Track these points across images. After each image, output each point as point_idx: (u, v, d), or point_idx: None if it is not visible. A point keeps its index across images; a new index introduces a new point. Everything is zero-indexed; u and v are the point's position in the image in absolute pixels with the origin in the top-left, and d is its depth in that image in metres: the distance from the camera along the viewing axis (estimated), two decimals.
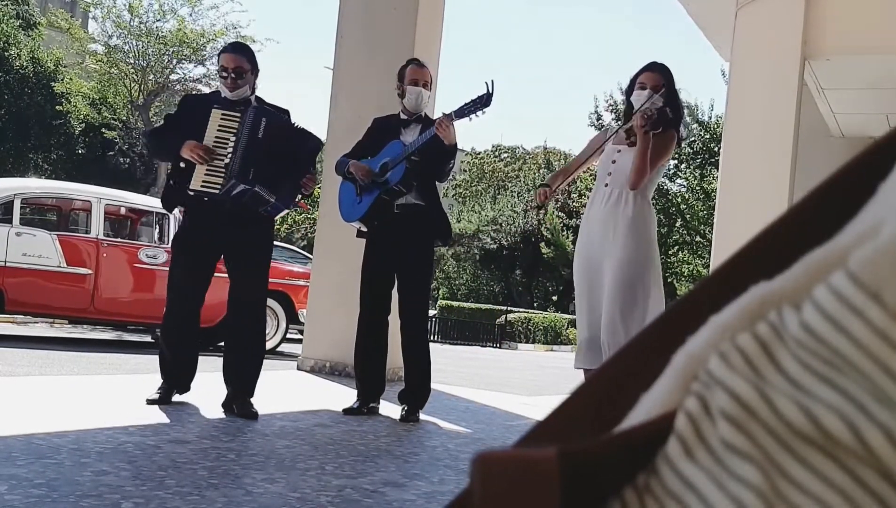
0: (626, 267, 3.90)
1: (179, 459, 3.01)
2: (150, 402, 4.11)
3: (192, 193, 4.07)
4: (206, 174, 4.06)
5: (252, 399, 4.20)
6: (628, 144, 4.06)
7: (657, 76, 4.07)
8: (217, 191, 4.06)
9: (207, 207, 4.10)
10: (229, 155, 4.08)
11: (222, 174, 4.07)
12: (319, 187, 6.56)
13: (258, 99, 4.33)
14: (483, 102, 4.17)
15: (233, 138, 4.10)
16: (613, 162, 4.07)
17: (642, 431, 0.36)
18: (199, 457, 3.09)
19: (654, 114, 3.94)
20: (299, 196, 4.32)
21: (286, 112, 4.37)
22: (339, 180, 4.73)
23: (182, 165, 4.10)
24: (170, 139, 4.15)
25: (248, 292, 4.23)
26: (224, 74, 4.21)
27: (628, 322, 3.85)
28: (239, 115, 4.14)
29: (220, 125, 4.12)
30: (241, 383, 4.22)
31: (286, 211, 4.45)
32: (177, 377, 4.24)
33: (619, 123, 4.29)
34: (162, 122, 4.49)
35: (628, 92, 4.23)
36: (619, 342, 3.81)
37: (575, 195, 30.59)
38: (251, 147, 4.07)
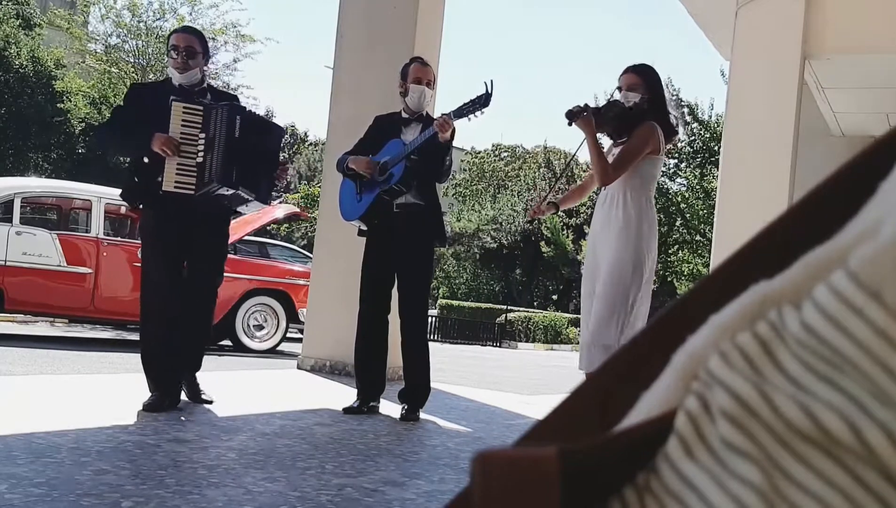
0: (615, 269, 3.91)
1: (179, 458, 3.02)
2: (147, 408, 4.00)
3: (164, 193, 3.95)
4: (177, 174, 3.94)
5: (200, 384, 4.31)
6: (617, 145, 4.12)
7: (631, 76, 4.10)
8: (192, 192, 3.97)
9: (173, 203, 4.00)
10: (201, 154, 3.96)
11: (194, 174, 3.96)
12: (319, 186, 6.57)
13: (211, 88, 4.27)
14: (482, 102, 4.17)
15: (201, 135, 3.98)
16: None
17: (642, 430, 0.36)
18: (200, 456, 3.09)
19: (582, 106, 4.01)
20: (276, 189, 4.38)
21: (235, 98, 4.36)
22: (340, 180, 4.74)
23: (146, 160, 3.98)
24: (137, 133, 3.99)
25: (206, 280, 4.24)
26: (174, 54, 4.09)
27: (613, 324, 3.86)
28: (201, 108, 4.02)
29: (183, 120, 3.97)
30: (187, 359, 4.26)
31: (261, 206, 4.48)
32: (164, 382, 4.10)
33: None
34: (115, 118, 4.27)
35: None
36: (604, 344, 3.83)
37: None
38: (231, 149, 3.97)
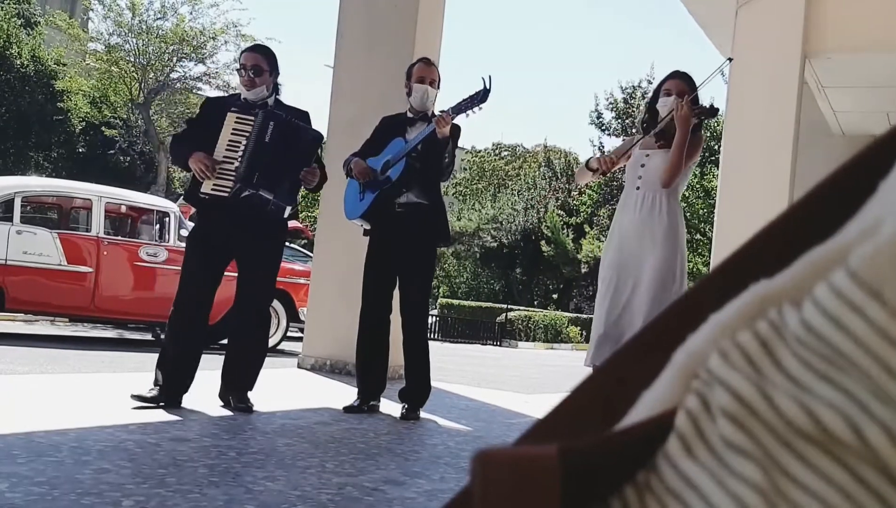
0: (663, 275, 3.95)
1: (180, 457, 3.02)
2: (136, 398, 4.01)
3: (203, 196, 4.19)
4: (217, 177, 4.18)
5: (250, 394, 4.29)
6: (658, 147, 4.10)
7: (682, 83, 4.13)
8: (227, 194, 4.18)
9: (221, 209, 4.20)
10: (239, 158, 4.19)
11: (232, 177, 4.18)
12: None
13: (278, 101, 4.44)
14: (480, 97, 4.18)
15: (244, 142, 4.22)
16: (643, 166, 4.11)
17: (643, 429, 0.36)
18: (200, 455, 3.09)
19: (698, 101, 4.07)
20: (301, 192, 4.44)
21: (305, 113, 4.49)
22: (340, 179, 4.74)
23: None
24: (183, 148, 4.29)
25: (256, 297, 4.34)
26: (242, 73, 4.33)
27: None
28: (252, 119, 4.24)
29: (233, 129, 4.23)
30: (241, 380, 4.30)
31: (291, 208, 4.49)
32: (174, 379, 4.15)
33: (639, 128, 4.34)
34: (184, 129, 4.61)
35: (653, 101, 4.26)
36: None
37: (575, 193, 30.58)
38: (257, 152, 4.18)
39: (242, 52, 4.48)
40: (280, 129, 4.25)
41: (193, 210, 4.45)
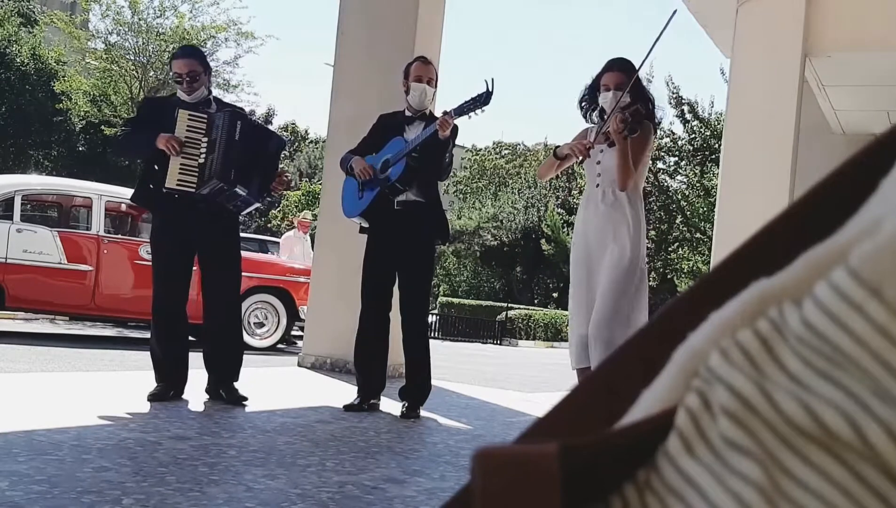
0: (625, 267, 3.91)
1: (180, 455, 3.02)
2: (151, 398, 4.22)
3: (166, 190, 4.23)
4: (180, 173, 4.23)
5: (236, 385, 4.44)
6: (607, 145, 4.04)
7: (618, 74, 4.06)
8: (192, 190, 4.24)
9: (178, 205, 4.27)
10: (203, 155, 4.26)
11: (195, 173, 4.25)
12: (320, 184, 6.57)
13: (216, 99, 4.55)
14: (483, 100, 4.18)
15: (204, 139, 4.28)
16: (598, 162, 4.05)
17: (643, 427, 0.36)
18: (200, 453, 3.09)
19: (628, 117, 3.91)
20: (266, 194, 4.59)
21: (242, 109, 4.64)
22: (341, 177, 4.74)
23: (156, 166, 4.28)
24: (142, 135, 4.30)
25: (223, 286, 4.43)
26: (179, 80, 4.39)
27: (619, 319, 3.86)
28: (205, 116, 4.32)
29: (188, 126, 4.29)
30: (225, 370, 4.44)
31: (256, 205, 4.60)
32: (171, 375, 4.36)
33: (597, 122, 4.23)
34: (128, 128, 4.66)
35: (594, 88, 4.18)
36: (607, 338, 3.81)
37: (576, 192, 30.57)
38: (230, 149, 4.25)
39: (171, 59, 4.54)
40: (248, 127, 4.35)
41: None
